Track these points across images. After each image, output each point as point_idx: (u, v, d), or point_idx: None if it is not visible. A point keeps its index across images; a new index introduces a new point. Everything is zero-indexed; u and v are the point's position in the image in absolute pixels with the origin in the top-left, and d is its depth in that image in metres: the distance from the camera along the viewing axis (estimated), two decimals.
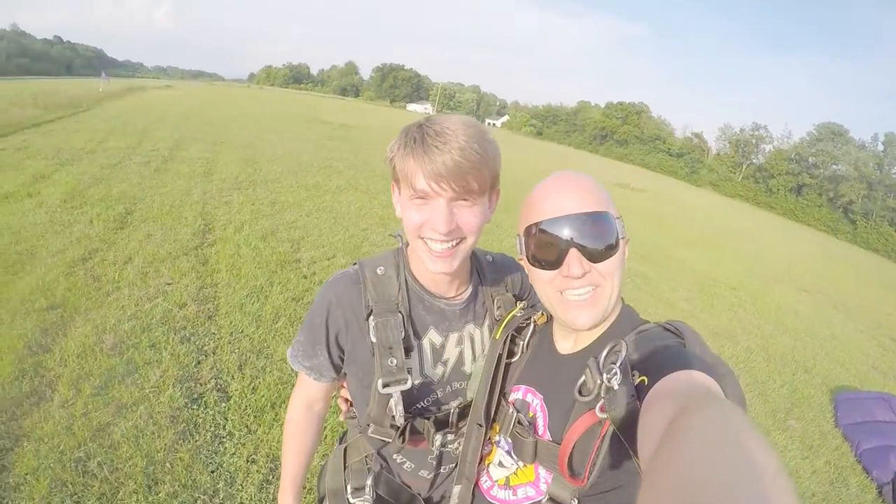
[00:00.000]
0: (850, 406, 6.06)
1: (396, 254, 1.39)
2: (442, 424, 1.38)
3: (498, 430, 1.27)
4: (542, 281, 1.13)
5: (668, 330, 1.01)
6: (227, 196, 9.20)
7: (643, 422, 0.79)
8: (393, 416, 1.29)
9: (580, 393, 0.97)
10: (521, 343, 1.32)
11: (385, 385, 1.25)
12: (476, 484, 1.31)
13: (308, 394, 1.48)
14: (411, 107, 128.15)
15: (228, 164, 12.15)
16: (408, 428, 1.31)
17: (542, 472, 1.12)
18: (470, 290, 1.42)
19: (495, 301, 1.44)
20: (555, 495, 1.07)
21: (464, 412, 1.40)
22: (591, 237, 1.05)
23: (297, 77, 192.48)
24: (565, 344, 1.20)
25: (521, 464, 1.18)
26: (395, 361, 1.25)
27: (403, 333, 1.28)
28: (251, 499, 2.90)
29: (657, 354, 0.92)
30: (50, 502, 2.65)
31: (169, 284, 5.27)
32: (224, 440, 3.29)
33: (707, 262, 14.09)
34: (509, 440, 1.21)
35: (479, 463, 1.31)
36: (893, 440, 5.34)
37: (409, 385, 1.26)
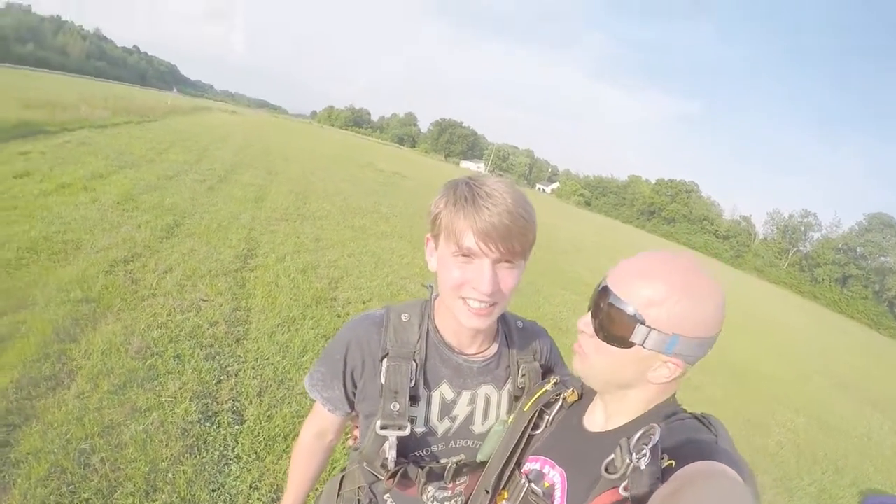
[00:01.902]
0: None
1: (424, 304, 1.42)
2: (436, 477, 1.38)
3: (506, 496, 1.26)
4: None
5: (702, 422, 1.02)
6: (274, 225, 9.38)
7: (655, 495, 0.80)
8: (385, 459, 1.30)
9: (607, 470, 0.97)
10: (548, 417, 1.31)
11: (383, 427, 1.27)
12: None
13: (321, 424, 1.50)
14: (465, 163, 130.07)
15: (280, 194, 12.42)
16: (399, 472, 1.32)
17: None
18: (494, 350, 1.43)
19: (520, 368, 1.44)
20: None
21: (461, 469, 1.40)
22: (604, 316, 1.07)
23: (357, 120, 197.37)
24: (597, 423, 1.18)
25: None
26: (397, 407, 1.27)
27: (413, 382, 1.30)
28: None
29: (690, 444, 0.92)
30: (46, 485, 2.66)
31: (204, 301, 5.34)
32: (231, 462, 3.27)
33: (744, 350, 13.70)
34: None
35: None
36: None
37: (406, 432, 1.28)
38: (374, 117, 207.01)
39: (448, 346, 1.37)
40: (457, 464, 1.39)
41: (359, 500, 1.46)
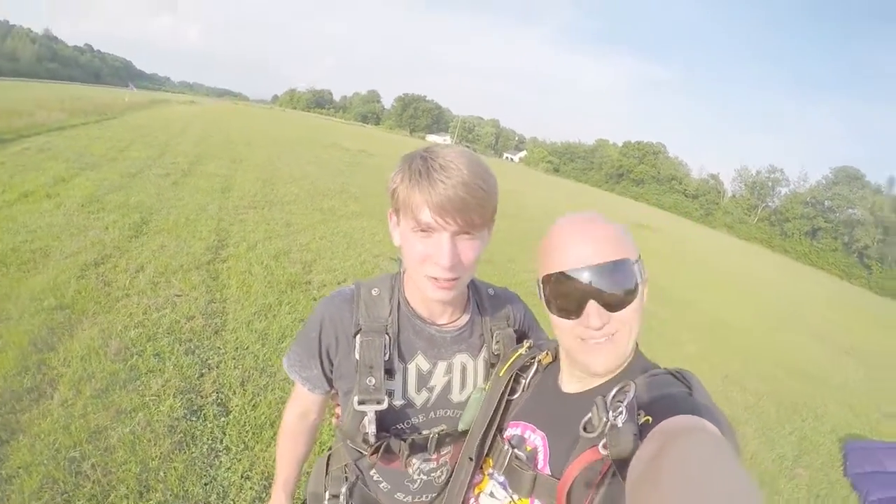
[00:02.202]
0: (860, 455, 5.94)
1: (394, 278, 1.43)
2: (419, 448, 1.41)
3: (491, 464, 1.27)
4: (561, 329, 1.14)
5: (676, 377, 1.01)
6: (243, 214, 9.35)
7: (636, 456, 0.81)
8: (365, 434, 1.32)
9: (584, 429, 0.99)
10: (524, 381, 1.33)
11: (360, 402, 1.29)
12: None
13: (303, 404, 1.51)
14: (430, 137, 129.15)
15: (246, 182, 12.36)
16: (382, 446, 1.34)
17: None
18: (465, 319, 1.45)
19: (494, 335, 1.46)
20: None
21: (443, 440, 1.43)
22: (609, 287, 1.05)
23: (319, 102, 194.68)
24: (573, 385, 1.20)
25: (515, 497, 1.17)
26: (373, 381, 1.28)
27: (388, 355, 1.31)
28: None
29: (665, 398, 0.93)
30: (40, 498, 2.68)
31: (178, 296, 5.34)
32: (220, 454, 3.32)
33: (718, 305, 13.97)
34: (503, 475, 1.21)
35: (469, 491, 1.31)
36: None
37: (384, 406, 1.29)
38: (337, 97, 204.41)
39: (420, 317, 1.38)
40: (439, 434, 1.41)
41: (346, 477, 1.50)
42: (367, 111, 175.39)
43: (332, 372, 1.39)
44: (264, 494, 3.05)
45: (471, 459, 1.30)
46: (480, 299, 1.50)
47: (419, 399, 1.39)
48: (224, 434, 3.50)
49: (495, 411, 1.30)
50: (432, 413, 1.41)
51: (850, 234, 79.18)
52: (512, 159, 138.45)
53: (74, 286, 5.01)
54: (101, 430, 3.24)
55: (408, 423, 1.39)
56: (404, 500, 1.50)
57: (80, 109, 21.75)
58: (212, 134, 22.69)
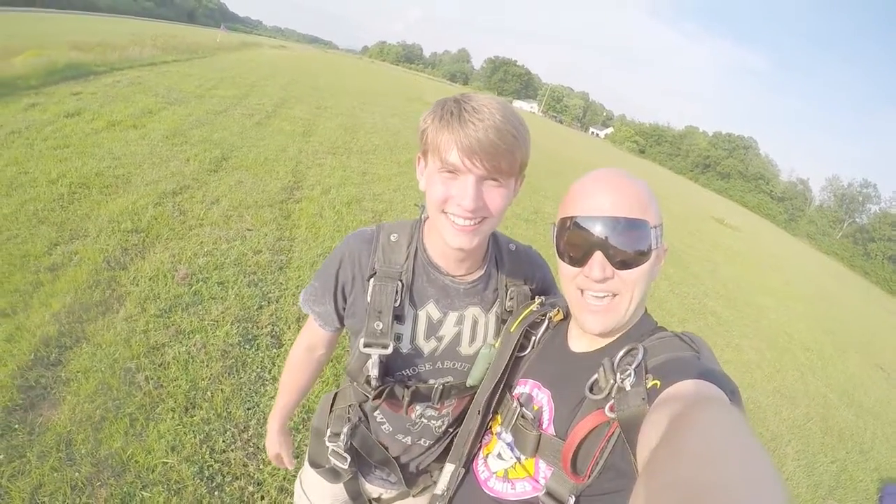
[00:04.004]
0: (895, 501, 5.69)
1: (415, 224, 1.42)
2: (422, 398, 1.42)
3: (500, 421, 1.27)
4: (565, 275, 1.14)
5: (683, 341, 1.01)
6: (321, 159, 9.50)
7: (647, 421, 0.80)
8: (368, 376, 1.34)
9: (591, 390, 0.99)
10: (534, 338, 1.32)
11: (366, 345, 1.30)
12: (473, 472, 1.31)
13: (312, 337, 1.55)
14: (518, 103, 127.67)
15: (328, 129, 12.51)
16: (385, 391, 1.36)
17: (543, 466, 1.12)
18: (482, 273, 1.42)
19: (508, 291, 1.44)
20: (553, 490, 1.06)
21: (448, 391, 1.43)
22: (619, 242, 1.04)
23: (409, 56, 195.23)
24: (580, 343, 1.20)
25: (521, 457, 1.17)
26: (380, 325, 1.29)
27: (399, 301, 1.31)
28: None
29: (673, 362, 0.92)
30: (93, 401, 2.87)
31: (249, 230, 5.52)
32: (267, 383, 3.44)
33: (786, 316, 13.38)
34: (510, 434, 1.21)
35: (478, 452, 1.32)
36: None
37: (389, 350, 1.30)
38: (427, 53, 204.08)
39: (435, 266, 1.38)
40: (444, 385, 1.42)
41: (349, 418, 1.52)
42: (457, 70, 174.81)
43: (344, 309, 1.41)
44: (301, 427, 3.15)
45: (479, 413, 1.31)
46: (500, 254, 1.47)
47: (427, 347, 1.39)
48: (273, 364, 3.62)
49: (505, 367, 1.29)
50: (439, 363, 1.42)
51: None
52: (597, 134, 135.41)
53: (151, 212, 5.24)
54: (158, 346, 3.42)
55: (414, 370, 1.41)
56: (404, 440, 1.53)
57: (172, 47, 22.34)
58: (299, 79, 22.99)
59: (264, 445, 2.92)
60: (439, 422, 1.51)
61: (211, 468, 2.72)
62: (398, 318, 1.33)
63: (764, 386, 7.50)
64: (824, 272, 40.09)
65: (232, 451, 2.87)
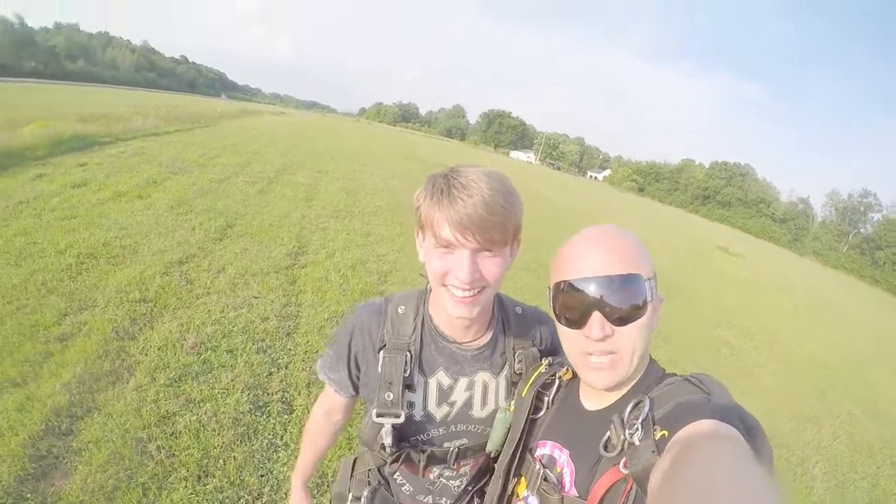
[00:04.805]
0: None
1: (420, 295, 1.48)
2: (438, 460, 1.46)
3: (525, 485, 1.27)
4: (565, 337, 1.16)
5: (692, 383, 1.02)
6: (324, 223, 9.63)
7: (655, 469, 0.82)
8: (382, 444, 1.37)
9: (605, 448, 1.00)
10: (547, 399, 1.32)
11: (378, 415, 1.35)
12: None
13: (329, 403, 1.61)
14: (514, 154, 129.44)
15: (329, 192, 12.72)
16: (401, 456, 1.41)
17: None
18: (488, 338, 1.46)
19: (516, 354, 1.47)
20: None
21: (464, 453, 1.47)
22: (615, 300, 1.05)
23: (405, 116, 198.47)
24: (592, 401, 1.20)
25: None
26: (391, 396, 1.34)
27: (409, 371, 1.36)
28: None
29: (679, 409, 0.93)
30: (105, 471, 2.88)
31: (256, 298, 5.57)
32: (279, 449, 3.44)
33: (800, 337, 13.29)
34: (536, 497, 1.21)
35: None
36: None
37: (401, 420, 1.35)
38: (423, 111, 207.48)
39: (442, 335, 1.42)
40: (459, 448, 1.46)
41: (369, 481, 1.57)
42: (452, 126, 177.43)
43: (358, 378, 1.47)
44: (315, 492, 3.13)
45: (501, 478, 1.32)
46: (507, 318, 1.51)
47: (439, 413, 1.43)
48: (285, 431, 3.62)
49: (521, 432, 1.30)
50: (453, 427, 1.46)
51: None
52: (596, 178, 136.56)
53: (158, 282, 5.31)
54: (169, 415, 3.44)
55: (427, 435, 1.44)
56: (424, 500, 1.56)
57: (175, 117, 22.89)
58: (299, 145, 23.42)
59: None
60: (458, 481, 1.55)
61: None
62: (409, 387, 1.38)
63: (784, 411, 7.44)
64: (833, 287, 39.89)
65: None
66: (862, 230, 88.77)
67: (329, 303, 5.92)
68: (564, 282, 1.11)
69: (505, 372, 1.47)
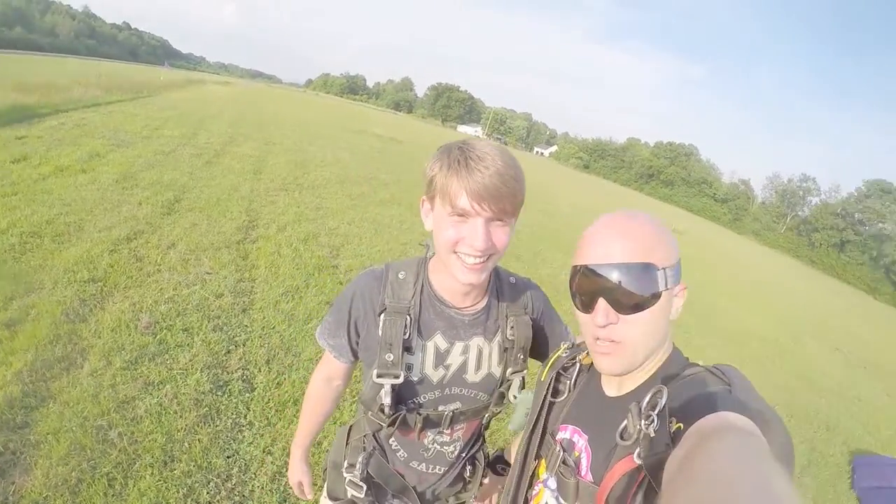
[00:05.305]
0: (868, 470, 5.91)
1: (420, 262, 1.50)
2: (433, 424, 1.51)
3: (545, 467, 1.26)
4: (580, 322, 1.16)
5: (714, 374, 1.00)
6: (274, 196, 9.39)
7: (668, 461, 0.80)
8: (381, 405, 1.41)
9: (621, 437, 0.99)
10: (568, 382, 1.31)
11: (379, 376, 1.38)
12: None
13: (329, 369, 1.64)
14: (462, 128, 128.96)
15: (278, 165, 12.40)
16: (398, 419, 1.44)
17: None
18: (483, 304, 1.50)
19: (509, 321, 1.52)
20: None
21: (458, 417, 1.52)
22: (622, 288, 1.04)
23: (352, 88, 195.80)
24: (611, 387, 1.19)
25: None
26: (391, 357, 1.37)
27: (408, 334, 1.40)
28: (263, 488, 2.95)
29: (696, 400, 0.90)
30: (67, 463, 2.73)
31: (208, 274, 5.39)
32: (244, 429, 3.36)
33: (740, 312, 13.83)
34: (555, 480, 1.20)
35: (527, 502, 1.31)
36: None
37: (400, 380, 1.39)
38: (370, 83, 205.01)
39: (441, 300, 1.45)
40: (453, 412, 1.51)
41: (364, 447, 1.59)
42: (400, 99, 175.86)
43: (358, 343, 1.49)
44: (285, 469, 3.07)
45: (521, 461, 1.32)
46: (501, 286, 1.56)
47: (435, 376, 1.46)
48: (248, 409, 3.54)
49: (539, 414, 1.30)
50: (447, 389, 1.49)
51: (878, 249, 77.88)
52: (542, 153, 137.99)
53: (107, 260, 5.07)
54: (128, 400, 3.30)
55: (423, 398, 1.48)
56: (418, 468, 1.60)
57: (117, 86, 21.93)
58: (245, 115, 22.81)
59: (249, 493, 2.90)
60: (451, 447, 1.61)
61: None
62: (408, 349, 1.41)
63: None
64: (771, 265, 41.56)
65: (217, 501, 2.79)
66: (800, 213, 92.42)
67: (283, 277, 5.80)
68: (579, 266, 1.11)
69: (498, 338, 1.52)
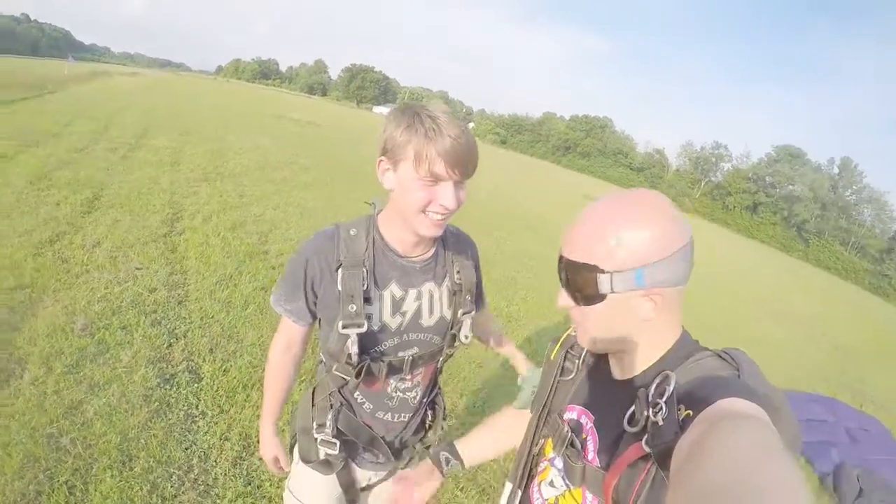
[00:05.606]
0: (791, 406, 6.31)
1: (368, 219, 1.57)
2: (395, 370, 1.61)
3: (552, 446, 1.24)
4: None
5: (722, 359, 0.99)
6: (195, 186, 9.13)
7: (677, 448, 0.78)
8: (349, 355, 1.48)
9: (629, 423, 0.96)
10: (577, 361, 1.28)
11: (344, 326, 1.46)
12: (529, 499, 1.29)
13: (288, 337, 1.68)
14: (377, 109, 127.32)
15: (196, 155, 12.01)
16: (364, 368, 1.51)
17: (589, 497, 1.09)
18: (432, 253, 1.61)
19: (455, 266, 1.65)
20: None
21: (416, 361, 1.63)
22: (567, 282, 1.05)
23: (265, 73, 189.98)
24: (617, 369, 1.15)
25: (570, 486, 1.15)
26: (354, 308, 1.45)
27: (365, 285, 1.48)
28: (226, 474, 2.97)
29: (705, 387, 0.88)
30: (23, 477, 2.64)
31: (139, 269, 5.25)
32: (197, 419, 3.34)
33: None
34: (561, 461, 1.18)
35: (532, 480, 1.30)
36: (832, 437, 5.79)
37: (364, 329, 1.47)
38: (283, 67, 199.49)
39: (393, 250, 1.55)
40: (412, 357, 1.61)
41: (331, 404, 1.64)
42: (314, 82, 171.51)
43: (315, 304, 1.56)
44: (245, 454, 3.11)
45: (529, 438, 1.32)
46: (445, 236, 1.66)
47: (393, 323, 1.56)
48: (199, 399, 3.52)
49: (549, 392, 1.30)
50: (405, 335, 1.59)
51: (789, 209, 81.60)
52: None
53: (32, 264, 4.85)
54: (76, 404, 3.21)
55: (384, 346, 1.57)
56: (384, 418, 1.69)
57: (18, 83, 20.62)
58: (156, 106, 21.85)
59: (213, 481, 2.92)
60: (413, 392, 1.70)
61: None
62: (367, 300, 1.49)
63: None
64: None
65: (183, 493, 2.78)
66: (713, 178, 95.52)
67: (215, 266, 5.71)
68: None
69: (446, 282, 1.65)
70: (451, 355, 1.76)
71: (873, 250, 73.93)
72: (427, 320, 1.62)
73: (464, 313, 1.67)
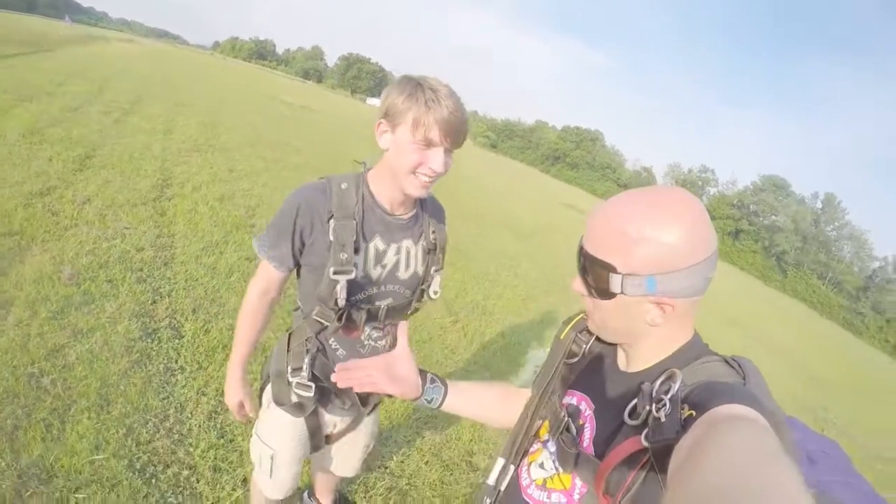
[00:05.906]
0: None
1: (358, 176, 1.68)
2: (372, 317, 1.72)
3: (547, 429, 1.24)
4: None
5: (730, 365, 0.97)
6: (186, 157, 9.05)
7: (677, 448, 0.77)
8: (336, 300, 1.57)
9: (630, 416, 0.95)
10: (585, 347, 1.27)
11: (335, 273, 1.55)
12: (517, 478, 1.28)
13: (266, 282, 1.74)
14: (371, 101, 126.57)
15: (188, 126, 11.89)
16: (345, 314, 1.63)
17: (579, 483, 1.08)
18: (413, 213, 1.74)
19: (431, 227, 1.79)
20: None
21: (390, 312, 1.75)
22: (583, 273, 1.05)
23: (261, 53, 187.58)
24: (624, 361, 1.14)
25: (560, 470, 1.13)
26: (345, 256, 1.56)
27: (355, 236, 1.58)
28: (200, 426, 3.00)
29: (710, 388, 0.86)
30: (1, 411, 2.66)
31: (127, 228, 5.23)
32: (176, 373, 3.37)
33: None
34: (554, 446, 1.17)
35: (523, 458, 1.30)
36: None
37: (353, 276, 1.57)
38: (280, 50, 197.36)
39: (381, 207, 1.66)
40: (387, 307, 1.74)
41: (307, 350, 1.71)
42: (310, 67, 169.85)
43: (301, 252, 1.65)
44: (220, 409, 3.14)
45: (528, 416, 1.31)
46: (424, 201, 1.80)
47: (374, 273, 1.68)
48: (179, 355, 3.55)
49: (553, 374, 1.28)
50: (383, 286, 1.71)
51: (770, 239, 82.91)
52: None
53: (22, 214, 4.81)
54: (58, 348, 3.22)
55: (364, 294, 1.69)
56: None
57: (14, 39, 20.24)
58: (152, 75, 21.53)
59: (188, 431, 2.95)
60: (383, 342, 1.82)
61: (141, 460, 2.65)
62: (356, 250, 1.59)
63: None
64: None
65: (158, 440, 2.81)
66: None
67: (202, 233, 5.71)
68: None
69: (422, 241, 1.77)
70: (419, 309, 1.90)
71: (850, 287, 75.36)
72: (403, 273, 1.74)
73: (435, 270, 1.82)
